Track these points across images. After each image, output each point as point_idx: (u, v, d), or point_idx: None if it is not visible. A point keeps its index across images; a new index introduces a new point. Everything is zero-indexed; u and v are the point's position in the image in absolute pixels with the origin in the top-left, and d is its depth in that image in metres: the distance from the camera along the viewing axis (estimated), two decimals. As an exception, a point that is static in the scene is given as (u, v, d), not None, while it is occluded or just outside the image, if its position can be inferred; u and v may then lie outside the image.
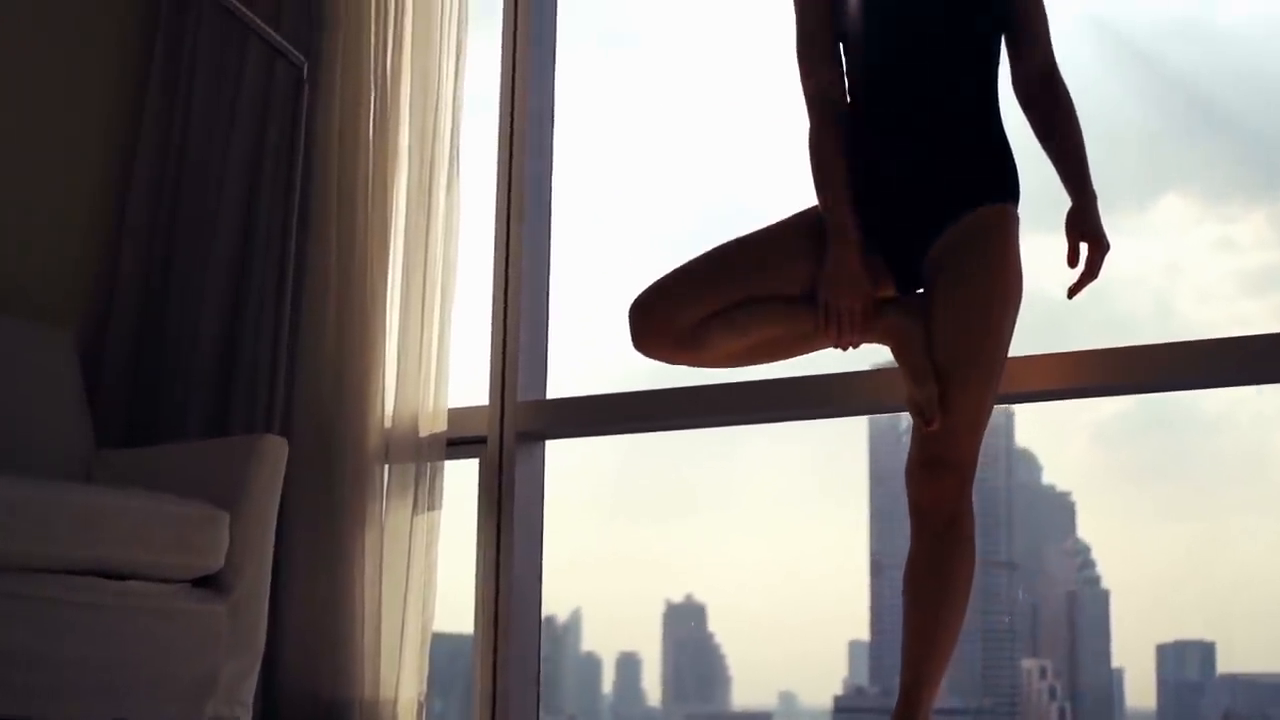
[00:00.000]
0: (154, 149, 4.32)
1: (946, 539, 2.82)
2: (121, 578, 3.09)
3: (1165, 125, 3.72)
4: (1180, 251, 4.02)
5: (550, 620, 4.87)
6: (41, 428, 3.68)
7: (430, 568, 3.80)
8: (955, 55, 2.96)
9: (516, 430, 3.92)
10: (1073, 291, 2.84)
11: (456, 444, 3.94)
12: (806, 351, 3.03)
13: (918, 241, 2.91)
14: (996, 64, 3.00)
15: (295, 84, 3.86)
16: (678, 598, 5.69)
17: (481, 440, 3.95)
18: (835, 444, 3.86)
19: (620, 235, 4.50)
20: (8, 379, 3.65)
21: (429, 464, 3.83)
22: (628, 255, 4.39)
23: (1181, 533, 3.88)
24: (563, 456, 4.08)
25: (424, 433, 3.85)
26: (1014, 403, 3.44)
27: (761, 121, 3.98)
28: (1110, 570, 4.71)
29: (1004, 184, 2.92)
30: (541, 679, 3.89)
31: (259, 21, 3.81)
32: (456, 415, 3.94)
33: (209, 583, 3.27)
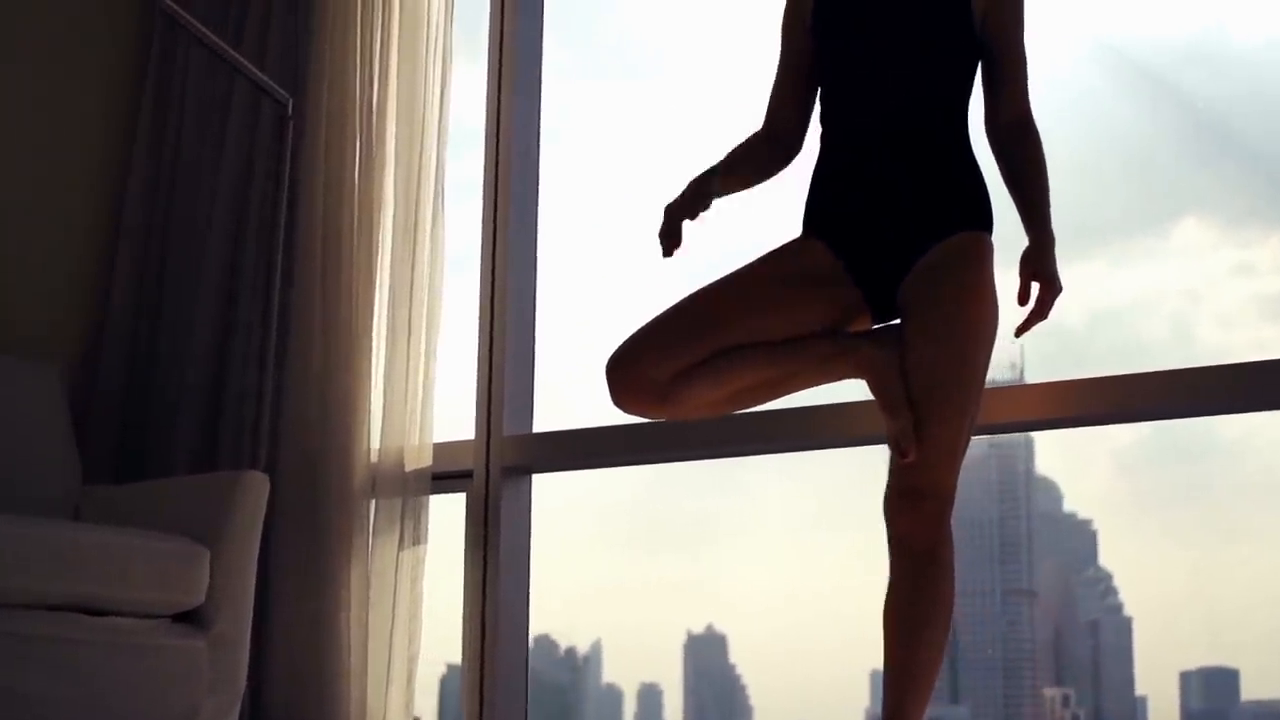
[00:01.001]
0: (143, 186, 4.37)
1: (925, 569, 2.80)
2: (102, 613, 3.11)
3: (1181, 150, 3.71)
4: (1198, 276, 4.00)
5: (571, 651, 4.88)
6: (29, 464, 3.70)
7: (416, 602, 3.80)
8: (927, 86, 2.95)
9: (502, 465, 3.94)
10: (1020, 331, 2.82)
11: (443, 478, 3.95)
12: (789, 393, 3.02)
13: (892, 272, 2.90)
14: (968, 94, 2.99)
15: (280, 121, 3.88)
16: (698, 628, 5.69)
17: (468, 474, 3.96)
18: (853, 472, 3.85)
19: (608, 268, 4.51)
20: (-4, 415, 3.68)
21: (415, 499, 3.84)
22: (615, 288, 4.40)
23: (1203, 559, 3.85)
24: (580, 487, 4.10)
25: (410, 467, 3.86)
26: (1032, 430, 3.43)
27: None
28: (1132, 597, 4.68)
29: (976, 213, 2.91)
30: (529, 713, 3.89)
31: (243, 60, 3.84)
32: (443, 450, 3.94)
33: (190, 618, 3.28)
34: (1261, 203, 3.71)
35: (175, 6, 3.75)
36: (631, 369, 2.87)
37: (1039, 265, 2.78)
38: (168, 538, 3.25)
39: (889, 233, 2.90)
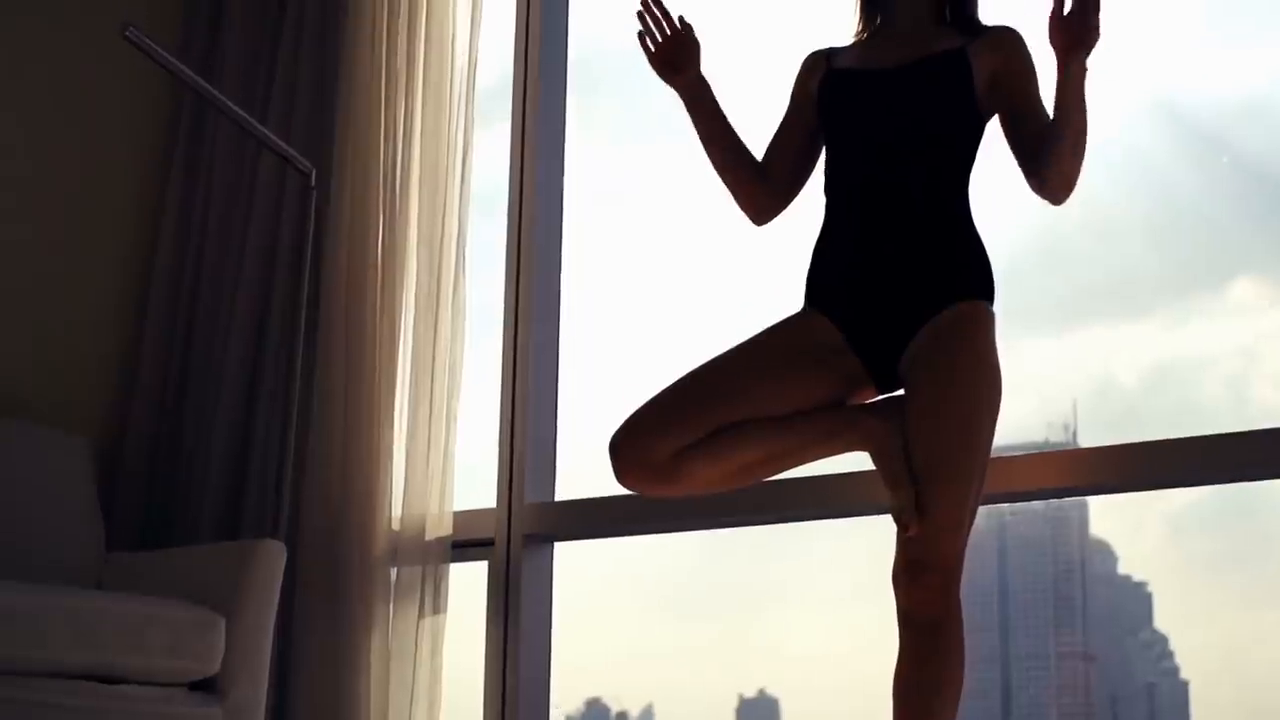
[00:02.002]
0: (172, 258, 4.43)
1: (932, 640, 2.78)
2: (117, 681, 3.12)
3: (1236, 208, 3.69)
4: (1255, 335, 3.96)
5: (623, 715, 4.86)
6: (54, 531, 3.74)
7: (436, 671, 3.79)
8: (928, 159, 2.96)
9: (523, 533, 3.94)
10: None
11: (464, 546, 3.95)
12: (793, 467, 3.01)
13: (895, 342, 2.90)
14: (971, 165, 3.00)
15: (304, 192, 3.94)
16: (750, 692, 5.66)
17: (489, 543, 3.97)
18: None
19: (632, 334, 4.53)
20: (24, 483, 3.73)
21: (435, 567, 3.85)
22: (640, 354, 4.41)
23: (1260, 622, 3.81)
24: (636, 551, 4.09)
25: (431, 535, 3.87)
26: (1086, 495, 3.41)
27: (777, 223, 4.00)
28: (1189, 661, 4.61)
29: (976, 282, 2.91)
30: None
31: (266, 131, 3.90)
32: (464, 518, 3.96)
33: (205, 686, 3.28)
34: (1317, 260, 3.69)
35: (198, 79, 3.81)
36: (634, 447, 2.87)
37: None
38: (183, 606, 3.27)
39: (890, 304, 2.90)
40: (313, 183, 3.91)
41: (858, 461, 3.02)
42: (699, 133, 3.16)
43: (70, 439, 3.92)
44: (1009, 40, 3.03)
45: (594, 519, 3.93)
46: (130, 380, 4.35)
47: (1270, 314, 3.86)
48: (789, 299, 3.06)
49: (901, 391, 2.92)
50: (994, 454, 3.16)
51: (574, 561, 4.09)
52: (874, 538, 3.69)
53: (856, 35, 3.15)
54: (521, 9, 4.35)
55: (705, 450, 2.86)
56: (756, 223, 3.21)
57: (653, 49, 3.15)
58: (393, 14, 4.21)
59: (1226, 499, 3.53)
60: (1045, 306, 3.83)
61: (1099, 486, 3.27)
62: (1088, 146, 2.87)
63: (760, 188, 3.19)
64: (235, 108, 3.82)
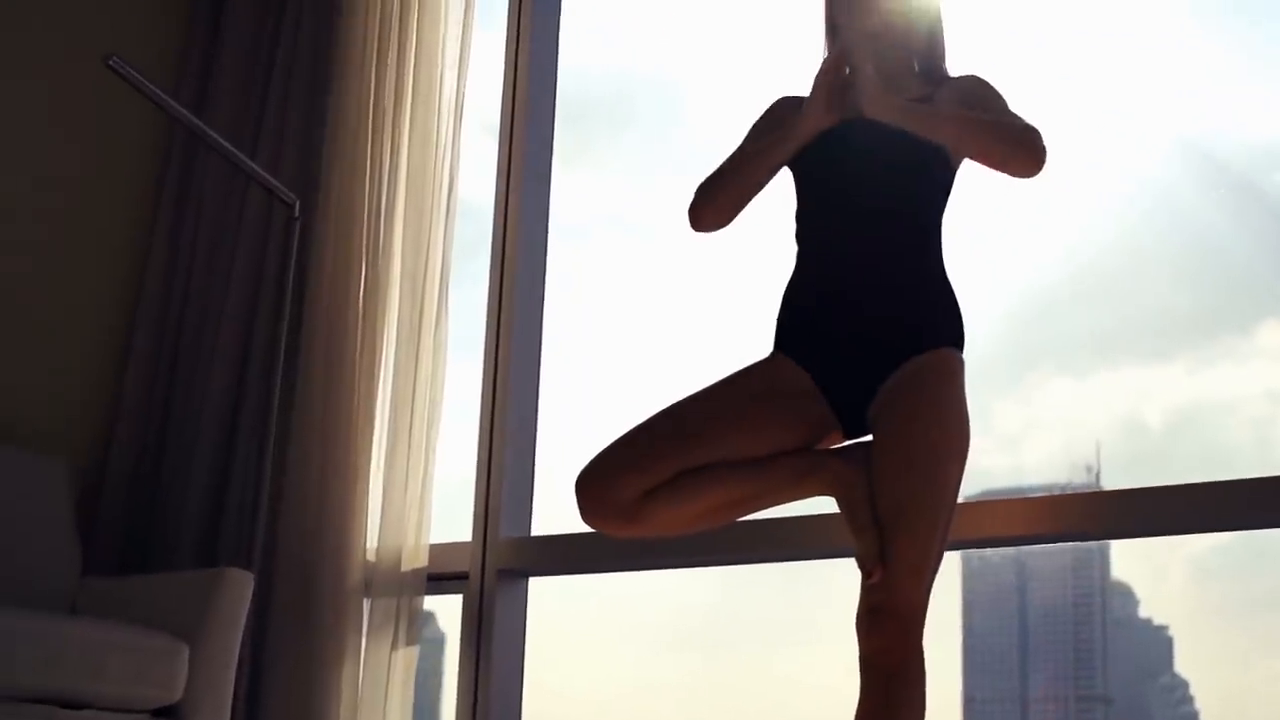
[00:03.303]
0: (159, 285, 4.48)
1: (893, 690, 2.74)
2: (80, 707, 3.13)
3: (1263, 250, 3.65)
4: None
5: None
6: (30, 555, 3.76)
7: (407, 702, 3.80)
8: (899, 204, 2.95)
9: (497, 567, 3.94)
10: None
11: (439, 579, 3.96)
12: (758, 510, 2.99)
13: (864, 388, 2.88)
14: (943, 209, 2.98)
15: (288, 222, 3.96)
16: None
17: (464, 576, 3.97)
18: None
19: (613, 371, 4.52)
20: (2, 506, 3.75)
21: (410, 599, 3.85)
22: (620, 390, 4.40)
23: None
24: (642, 587, 4.09)
25: (406, 567, 3.88)
26: (1110, 539, 3.38)
27: (761, 261, 3.99)
28: (1209, 707, 4.56)
29: (946, 330, 2.89)
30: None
31: (248, 161, 3.94)
32: (440, 551, 3.97)
33: (168, 714, 3.29)
34: (1345, 305, 3.64)
35: (179, 108, 3.83)
36: (599, 488, 2.85)
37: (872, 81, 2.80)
38: (148, 633, 3.29)
39: (860, 350, 2.88)
40: (296, 214, 3.93)
41: (823, 505, 3.01)
42: (776, 159, 3.05)
43: (50, 462, 3.95)
44: (970, 81, 3.03)
45: (569, 555, 3.93)
46: (114, 406, 4.38)
47: None
48: (765, 340, 3.04)
49: (869, 437, 2.90)
50: (1014, 495, 3.14)
51: (581, 594, 4.12)
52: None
53: None
54: (510, 49, 4.40)
55: (671, 492, 2.84)
56: (696, 229, 3.11)
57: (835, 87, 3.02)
58: (382, 51, 4.28)
59: (1251, 543, 3.49)
60: (1071, 347, 3.80)
61: (1120, 530, 3.23)
62: (1022, 140, 2.83)
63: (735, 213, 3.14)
64: (218, 137, 3.86)
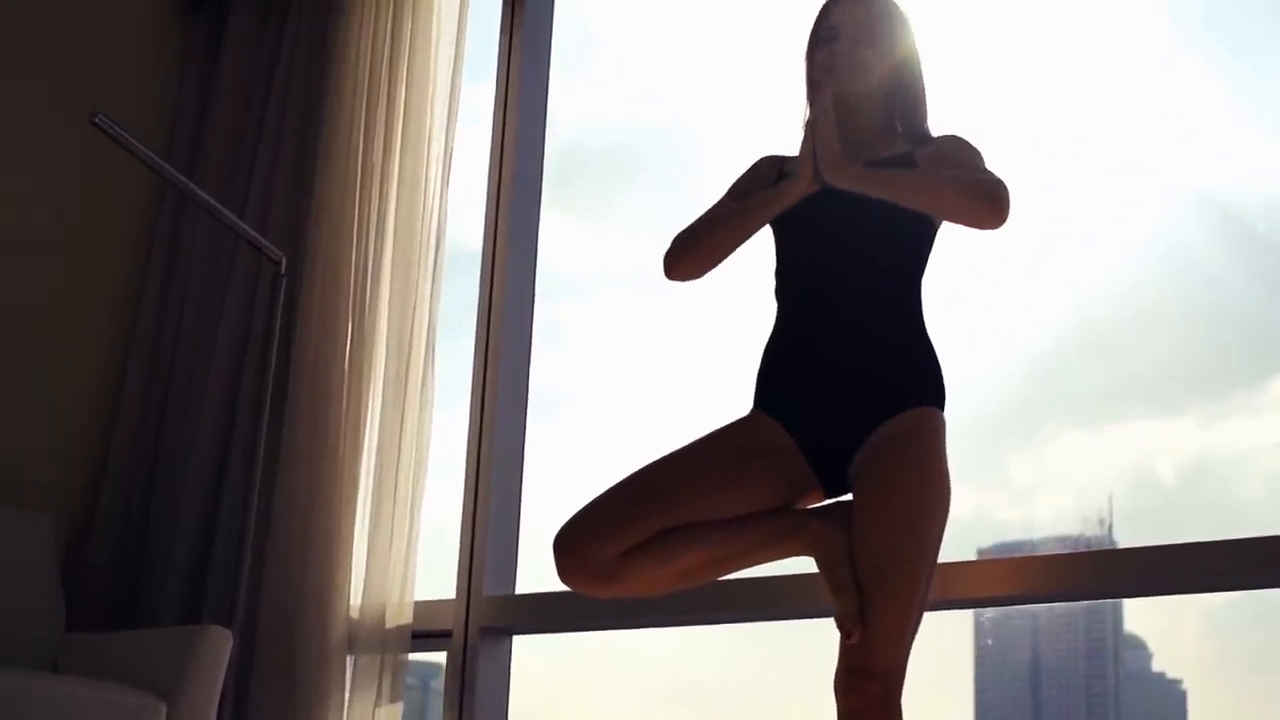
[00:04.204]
0: (148, 344, 4.51)
1: (871, 753, 2.73)
2: (56, 764, 3.14)
3: (1275, 304, 3.63)
4: None
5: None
6: (14, 610, 3.76)
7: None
8: (879, 263, 2.95)
9: (480, 625, 3.93)
10: None
11: (423, 637, 3.94)
12: (738, 569, 2.96)
13: (844, 447, 2.87)
14: (923, 268, 2.97)
15: (274, 280, 3.97)
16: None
17: (448, 634, 3.96)
18: (937, 638, 3.79)
19: (599, 429, 4.51)
20: (-13, 561, 3.76)
21: (394, 656, 3.84)
22: (607, 449, 4.39)
23: None
24: (630, 645, 4.06)
25: (390, 624, 3.87)
26: (1122, 597, 3.34)
27: (737, 323, 3.98)
28: None
29: (927, 388, 2.88)
30: None
31: (234, 217, 3.95)
32: (424, 608, 3.95)
33: (146, 771, 3.29)
34: (1358, 361, 3.62)
35: (164, 164, 3.86)
36: (577, 548, 2.82)
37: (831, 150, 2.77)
38: (126, 690, 3.29)
39: (840, 409, 2.87)
40: (282, 271, 3.94)
41: (803, 565, 2.98)
42: (758, 220, 3.00)
43: (36, 518, 3.96)
44: (948, 140, 3.02)
45: (553, 613, 3.92)
46: (102, 462, 4.40)
47: None
48: (747, 397, 3.02)
49: (849, 496, 2.88)
50: (1035, 553, 3.11)
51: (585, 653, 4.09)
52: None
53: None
54: (499, 106, 4.43)
55: (650, 552, 2.82)
56: (670, 278, 3.08)
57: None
58: (370, 108, 4.32)
59: (1264, 598, 3.46)
60: (1083, 401, 3.79)
61: (1133, 590, 3.23)
62: (979, 192, 2.79)
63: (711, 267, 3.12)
64: (202, 193, 3.88)
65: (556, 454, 4.33)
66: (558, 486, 4.27)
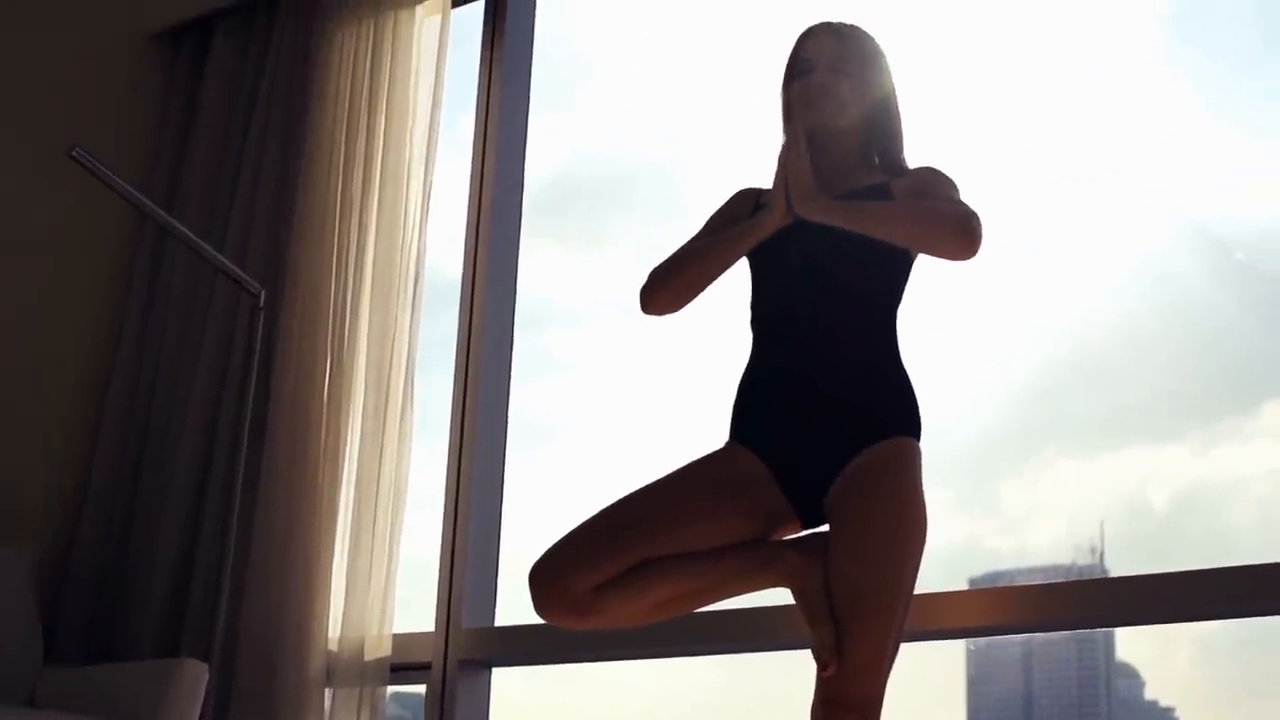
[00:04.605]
0: (127, 378, 4.52)
1: (849, 784, 2.72)
2: (31, 800, 3.14)
3: (1267, 331, 3.63)
4: None
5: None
6: (-8, 644, 3.75)
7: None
8: (855, 295, 2.95)
9: (459, 658, 3.92)
10: None
11: (402, 670, 3.93)
12: (715, 601, 2.95)
13: (820, 478, 2.86)
14: (899, 300, 2.97)
15: (252, 313, 3.97)
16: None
17: (427, 666, 3.95)
18: (929, 669, 3.78)
19: (578, 458, 4.50)
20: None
21: (372, 689, 3.82)
22: (600, 482, 4.38)
23: None
24: (639, 677, 4.05)
25: (369, 657, 3.86)
26: (1114, 626, 3.33)
27: (713, 356, 3.97)
28: None
29: (903, 420, 2.88)
30: None
31: (212, 250, 3.96)
32: (403, 641, 3.94)
33: (120, 806, 3.29)
34: (1352, 385, 3.62)
35: (142, 197, 3.87)
36: (552, 582, 2.81)
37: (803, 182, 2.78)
38: (101, 724, 3.28)
39: (815, 439, 2.86)
40: (261, 304, 3.93)
41: (780, 597, 2.97)
42: (735, 253, 3.00)
43: (13, 552, 3.95)
44: (924, 171, 3.02)
45: (532, 645, 3.91)
46: (80, 495, 4.39)
47: None
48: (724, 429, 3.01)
49: (826, 527, 2.87)
50: (1016, 583, 3.09)
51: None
52: (897, 665, 3.65)
53: None
54: (478, 140, 4.44)
55: (625, 585, 2.81)
56: (646, 311, 3.08)
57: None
58: (350, 141, 4.34)
59: (1257, 625, 3.45)
60: (1076, 429, 3.78)
61: (1125, 618, 3.24)
62: (949, 223, 2.80)
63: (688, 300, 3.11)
64: (179, 225, 3.89)
65: (550, 484, 4.32)
66: (549, 517, 4.26)
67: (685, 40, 4.77)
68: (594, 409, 4.56)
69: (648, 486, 2.92)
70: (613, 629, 2.88)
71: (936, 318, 3.73)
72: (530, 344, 4.33)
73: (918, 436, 2.86)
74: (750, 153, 3.99)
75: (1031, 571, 3.52)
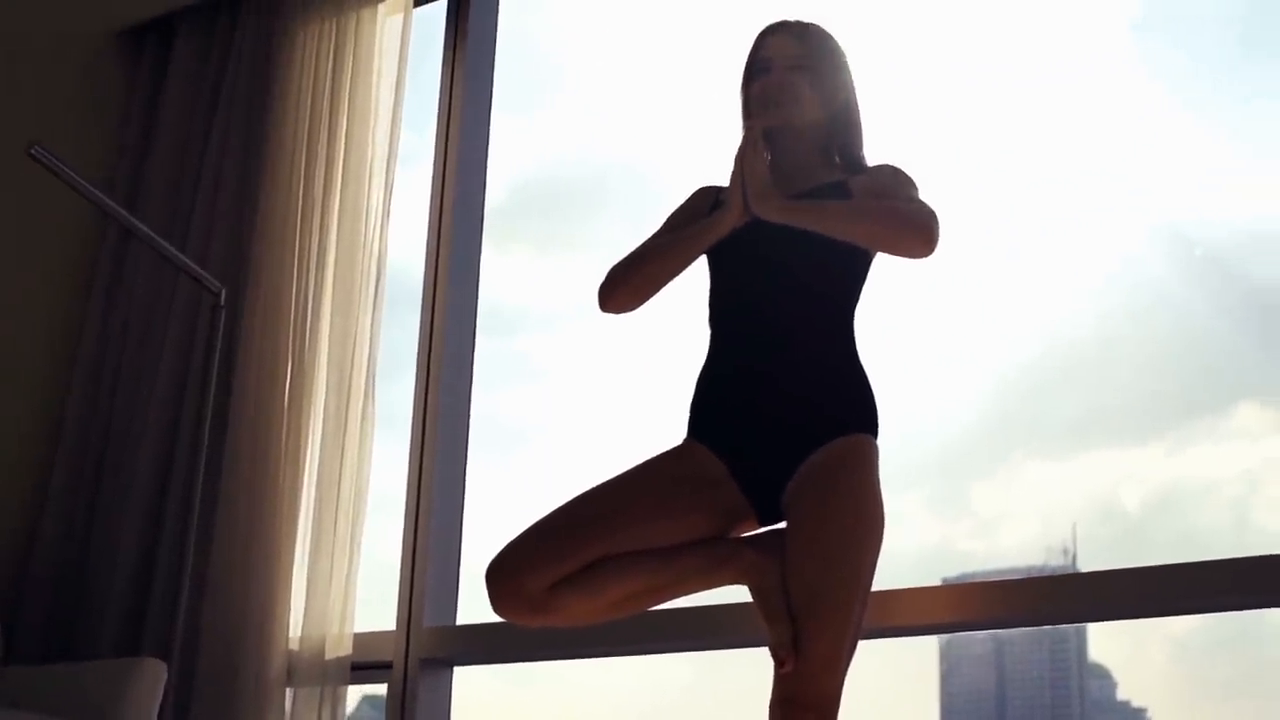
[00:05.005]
0: (88, 376, 4.51)
1: (808, 783, 2.71)
2: (-13, 799, 3.13)
3: (1242, 333, 3.64)
4: (1259, 460, 3.90)
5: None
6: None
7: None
8: (813, 292, 2.95)
9: (420, 656, 3.92)
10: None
11: (363, 669, 3.93)
12: (672, 599, 2.95)
13: (777, 475, 2.86)
14: (856, 298, 2.97)
15: (213, 311, 3.96)
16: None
17: (388, 665, 3.94)
18: (904, 665, 3.78)
19: (540, 456, 4.50)
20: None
21: (333, 689, 3.82)
22: (548, 476, 4.38)
23: None
24: (603, 675, 4.04)
25: (330, 656, 3.85)
26: (1086, 621, 3.33)
27: (673, 353, 3.98)
28: None
29: (860, 415, 2.88)
30: None
31: (173, 249, 3.95)
32: (364, 640, 3.94)
33: (78, 805, 3.28)
34: (1323, 387, 3.63)
35: (102, 196, 3.85)
36: (509, 579, 2.80)
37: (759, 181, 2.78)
38: (59, 724, 3.27)
39: (773, 436, 2.86)
40: (221, 302, 3.92)
41: (738, 594, 2.96)
42: (693, 251, 2.99)
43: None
44: (883, 169, 3.02)
45: (494, 644, 3.91)
46: (41, 494, 4.38)
47: (1273, 439, 3.81)
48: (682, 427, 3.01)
49: (784, 524, 2.87)
50: (995, 579, 3.09)
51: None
52: (870, 663, 3.65)
53: None
54: (440, 141, 4.44)
55: (582, 582, 2.81)
56: (605, 310, 3.08)
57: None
58: (312, 141, 4.34)
59: (1229, 624, 3.45)
60: (1049, 430, 3.78)
61: (1096, 613, 3.23)
62: (907, 222, 2.81)
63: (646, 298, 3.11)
64: (140, 224, 3.87)
65: (524, 487, 4.31)
66: (522, 520, 4.26)
67: (656, 40, 4.77)
68: (568, 412, 4.56)
69: (605, 484, 2.92)
70: (571, 627, 2.88)
71: (909, 319, 3.73)
72: (505, 348, 4.33)
73: (875, 434, 2.87)
74: (723, 154, 4.00)
75: (1003, 573, 3.52)
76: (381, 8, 4.41)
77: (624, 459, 2.96)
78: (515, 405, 4.41)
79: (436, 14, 4.59)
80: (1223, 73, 3.86)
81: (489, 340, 4.27)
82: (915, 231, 2.80)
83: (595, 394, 4.55)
